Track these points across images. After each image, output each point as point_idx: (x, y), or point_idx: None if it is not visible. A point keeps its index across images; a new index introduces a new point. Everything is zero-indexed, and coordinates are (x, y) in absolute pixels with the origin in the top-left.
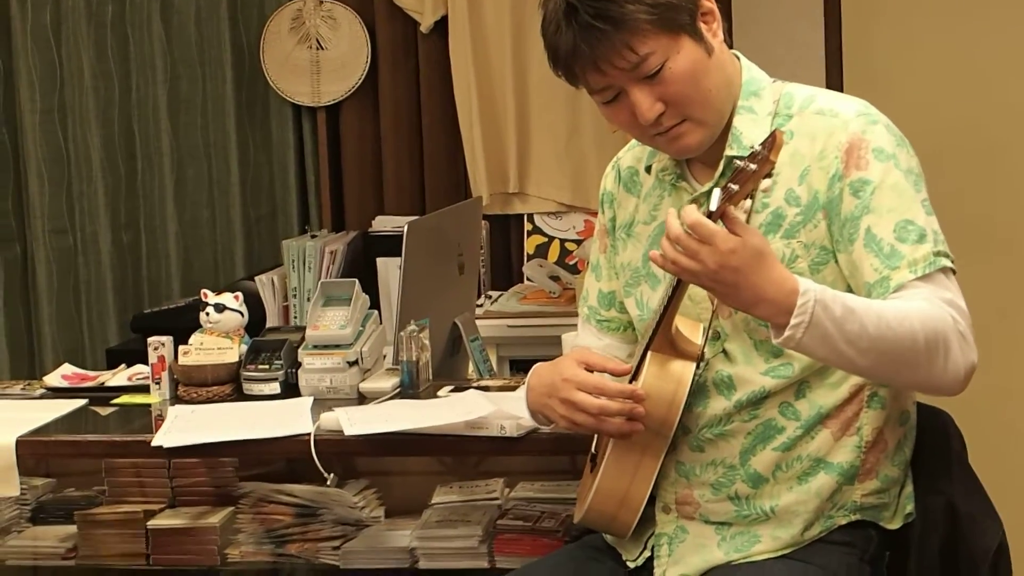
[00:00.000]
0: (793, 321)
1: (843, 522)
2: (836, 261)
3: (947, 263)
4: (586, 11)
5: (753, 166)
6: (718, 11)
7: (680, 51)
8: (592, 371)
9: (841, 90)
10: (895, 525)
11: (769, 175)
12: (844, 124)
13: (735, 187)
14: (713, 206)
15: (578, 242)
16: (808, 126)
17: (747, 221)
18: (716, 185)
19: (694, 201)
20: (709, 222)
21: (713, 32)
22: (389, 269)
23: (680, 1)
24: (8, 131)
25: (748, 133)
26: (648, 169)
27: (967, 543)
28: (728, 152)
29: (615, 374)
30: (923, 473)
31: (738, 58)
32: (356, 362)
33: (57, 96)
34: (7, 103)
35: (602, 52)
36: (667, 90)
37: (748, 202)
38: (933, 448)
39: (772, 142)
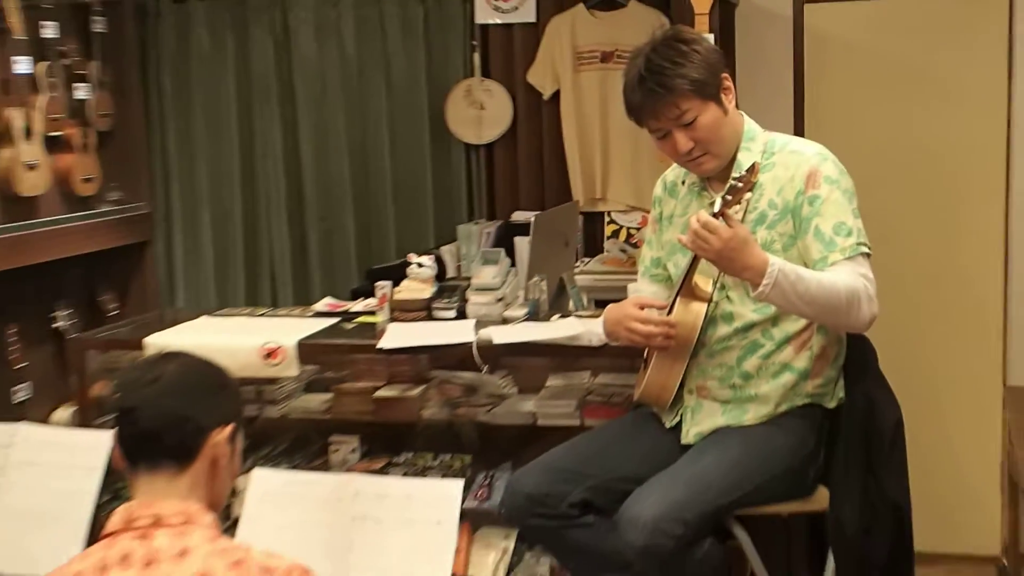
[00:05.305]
0: (764, 282)
1: (800, 403)
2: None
3: (865, 250)
4: (651, 81)
5: (740, 184)
6: (733, 87)
7: (707, 111)
8: (643, 308)
9: (803, 131)
10: (832, 405)
11: (751, 190)
12: (807, 159)
13: (730, 198)
14: (716, 209)
15: (638, 229)
16: (784, 160)
17: (741, 219)
18: (720, 197)
19: (710, 204)
20: (716, 221)
21: (729, 100)
22: (522, 244)
23: (711, 79)
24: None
25: (746, 164)
26: (683, 182)
27: (877, 418)
28: (733, 175)
29: (657, 309)
30: (850, 373)
31: (743, 115)
32: (502, 299)
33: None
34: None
35: (658, 108)
36: (696, 135)
37: (737, 207)
38: (857, 358)
39: (752, 169)
